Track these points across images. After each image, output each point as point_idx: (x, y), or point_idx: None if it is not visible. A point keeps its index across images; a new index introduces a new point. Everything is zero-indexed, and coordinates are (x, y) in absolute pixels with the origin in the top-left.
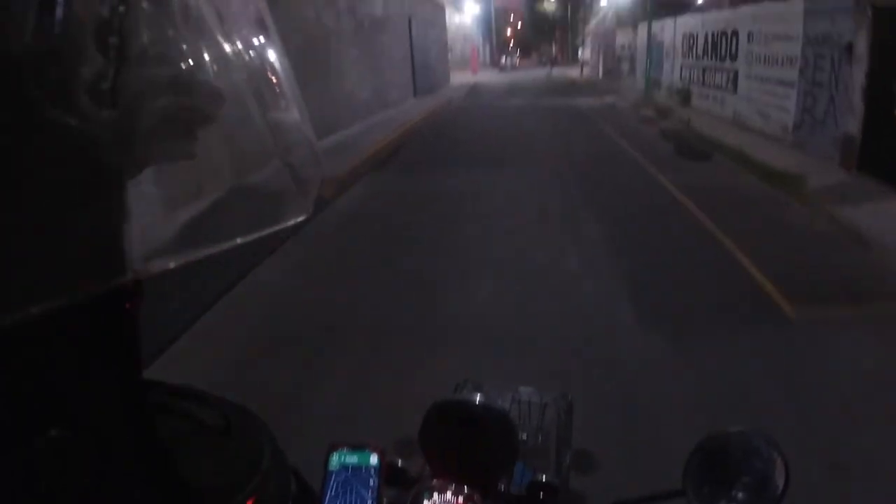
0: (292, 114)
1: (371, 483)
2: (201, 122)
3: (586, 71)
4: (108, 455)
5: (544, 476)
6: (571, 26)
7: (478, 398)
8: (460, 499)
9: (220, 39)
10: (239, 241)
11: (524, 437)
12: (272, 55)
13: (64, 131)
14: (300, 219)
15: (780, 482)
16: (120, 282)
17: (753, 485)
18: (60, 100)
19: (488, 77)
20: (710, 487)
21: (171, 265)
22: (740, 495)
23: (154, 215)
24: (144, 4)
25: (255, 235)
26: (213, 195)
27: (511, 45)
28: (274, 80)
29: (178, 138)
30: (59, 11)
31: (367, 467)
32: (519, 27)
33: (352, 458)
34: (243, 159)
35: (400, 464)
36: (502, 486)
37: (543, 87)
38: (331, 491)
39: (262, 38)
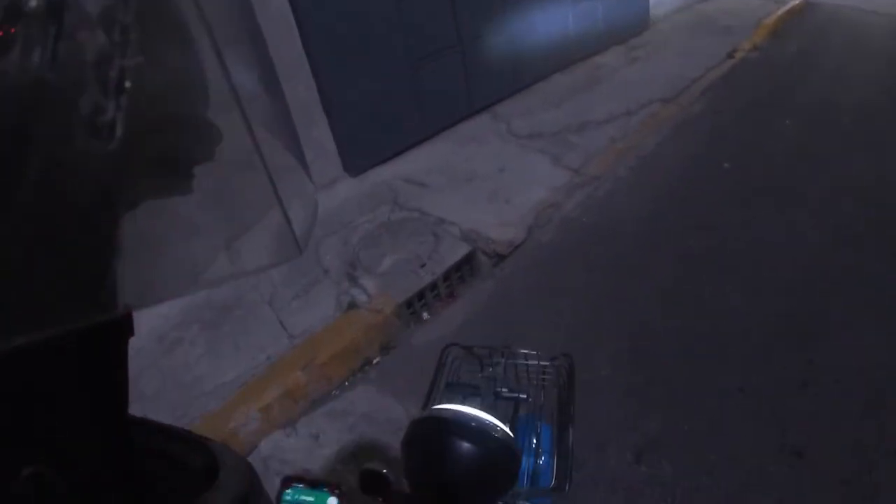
0: (291, 152)
1: None
2: (198, 159)
3: None
4: (90, 494)
5: None
6: None
7: (472, 412)
8: None
9: (221, 76)
10: (229, 279)
11: (524, 397)
12: (272, 92)
13: (59, 164)
14: (292, 258)
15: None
16: (108, 317)
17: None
18: (57, 132)
19: None
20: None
21: (161, 301)
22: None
23: (147, 251)
24: (145, 38)
25: (247, 274)
26: (207, 233)
27: None
28: (274, 119)
29: (175, 174)
30: (57, 43)
31: None
32: None
33: (307, 497)
34: (239, 198)
35: (385, 472)
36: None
37: None
38: None
39: (263, 75)
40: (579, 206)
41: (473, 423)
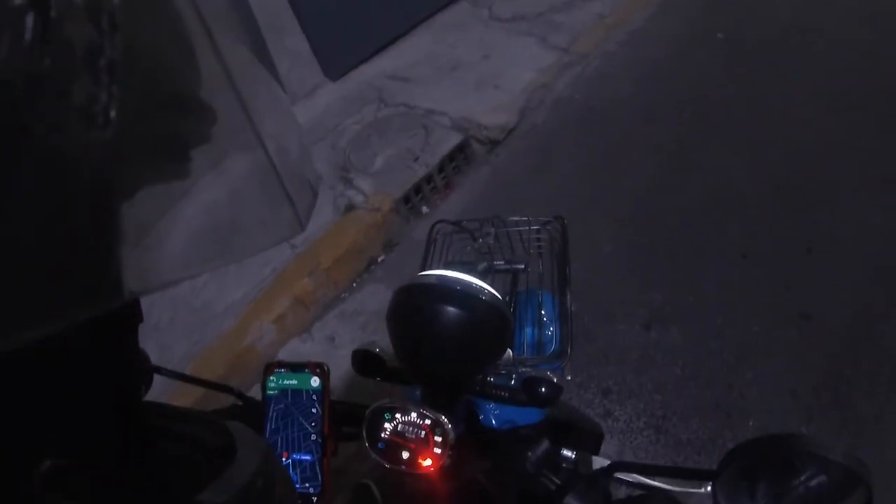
0: (288, 130)
1: (314, 411)
2: (195, 142)
3: None
4: (110, 482)
5: (546, 374)
6: None
7: (456, 275)
8: (426, 422)
9: (214, 58)
10: (233, 259)
11: (522, 267)
12: (266, 72)
13: (55, 154)
14: (295, 235)
15: None
16: (116, 305)
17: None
18: (51, 122)
19: None
20: (749, 482)
21: (166, 286)
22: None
23: (148, 237)
24: (135, 24)
25: (250, 253)
26: (208, 215)
27: None
28: (268, 98)
29: (172, 159)
30: (47, 33)
31: (309, 392)
32: None
33: (290, 381)
34: (238, 178)
35: (378, 350)
36: (490, 377)
37: None
38: (270, 423)
39: (256, 55)
40: (570, 86)
41: (458, 287)
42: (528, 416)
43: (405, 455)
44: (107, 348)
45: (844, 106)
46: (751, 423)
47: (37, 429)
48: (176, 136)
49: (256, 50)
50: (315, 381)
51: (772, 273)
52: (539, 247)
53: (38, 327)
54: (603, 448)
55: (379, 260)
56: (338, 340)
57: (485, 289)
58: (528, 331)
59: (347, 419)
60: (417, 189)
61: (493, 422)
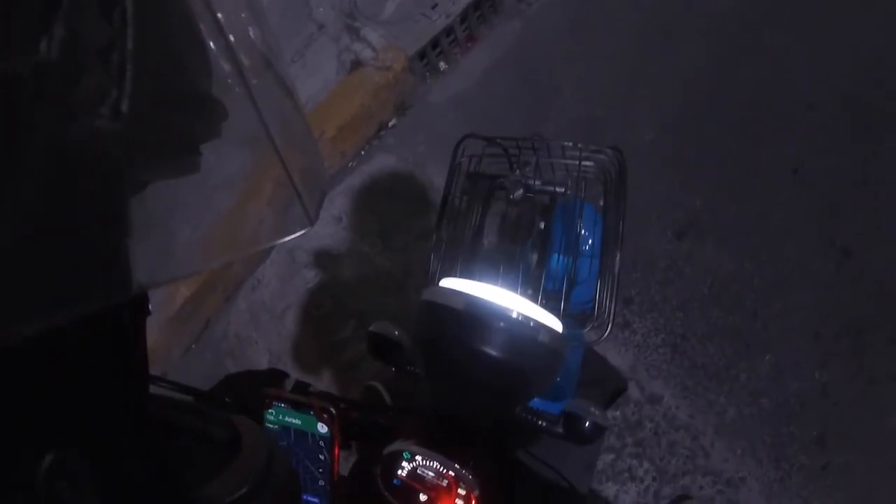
0: (297, 126)
1: (322, 458)
2: (205, 137)
3: None
4: (116, 475)
5: (591, 408)
6: None
7: (506, 304)
8: (450, 473)
9: (224, 53)
10: (242, 253)
11: (563, 190)
12: (276, 68)
13: (65, 146)
14: (303, 231)
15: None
16: (123, 298)
17: None
18: (60, 114)
19: None
20: None
21: (175, 279)
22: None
23: (157, 231)
24: (148, 18)
25: (258, 248)
26: (217, 210)
27: None
28: (279, 94)
29: (182, 153)
30: (59, 25)
31: (315, 436)
32: None
33: (293, 419)
34: (247, 173)
35: (397, 333)
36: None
37: None
38: None
39: (265, 50)
40: None
41: (506, 325)
42: (549, 406)
43: (423, 498)
44: (113, 341)
45: None
46: (767, 359)
47: (42, 420)
48: (186, 131)
49: (267, 44)
50: (323, 428)
51: (821, 196)
52: (586, 175)
53: (45, 318)
54: (616, 359)
55: (389, 124)
56: (346, 221)
57: (541, 325)
58: (556, 258)
59: (357, 433)
60: (435, 42)
61: None
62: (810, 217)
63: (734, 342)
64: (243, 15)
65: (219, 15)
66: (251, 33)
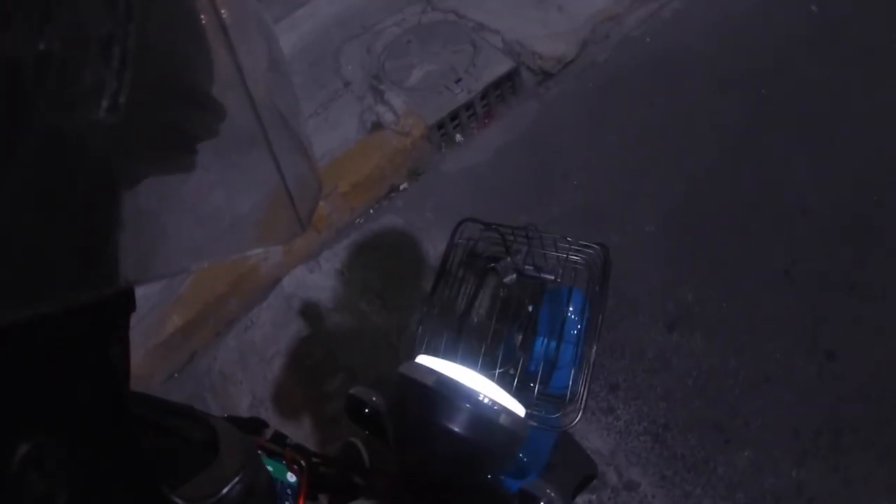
0: (294, 130)
1: None
2: (202, 136)
3: None
4: (92, 469)
5: (547, 489)
6: None
7: (472, 386)
8: None
9: (225, 53)
10: (230, 256)
11: (552, 278)
12: (277, 69)
13: (61, 134)
14: (295, 238)
15: None
16: (109, 291)
17: None
18: (58, 102)
19: None
20: None
21: (162, 277)
22: None
23: (149, 227)
24: (151, 15)
25: (248, 252)
26: (209, 210)
27: None
28: (278, 97)
29: (178, 151)
30: (62, 14)
31: (283, 484)
32: None
33: (265, 466)
34: (242, 176)
35: (374, 399)
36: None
37: None
38: None
39: (267, 52)
40: (643, 24)
41: (471, 406)
42: (513, 484)
43: None
44: (96, 335)
45: None
46: (745, 454)
47: (20, 409)
48: (184, 129)
49: (270, 49)
50: (291, 478)
51: (809, 299)
52: (575, 268)
53: (30, 306)
54: (598, 442)
55: (401, 188)
56: (347, 276)
57: (503, 409)
58: (540, 341)
59: (328, 487)
60: (454, 115)
61: None
62: (797, 317)
63: (714, 436)
64: (248, 18)
65: (223, 16)
66: (254, 36)
